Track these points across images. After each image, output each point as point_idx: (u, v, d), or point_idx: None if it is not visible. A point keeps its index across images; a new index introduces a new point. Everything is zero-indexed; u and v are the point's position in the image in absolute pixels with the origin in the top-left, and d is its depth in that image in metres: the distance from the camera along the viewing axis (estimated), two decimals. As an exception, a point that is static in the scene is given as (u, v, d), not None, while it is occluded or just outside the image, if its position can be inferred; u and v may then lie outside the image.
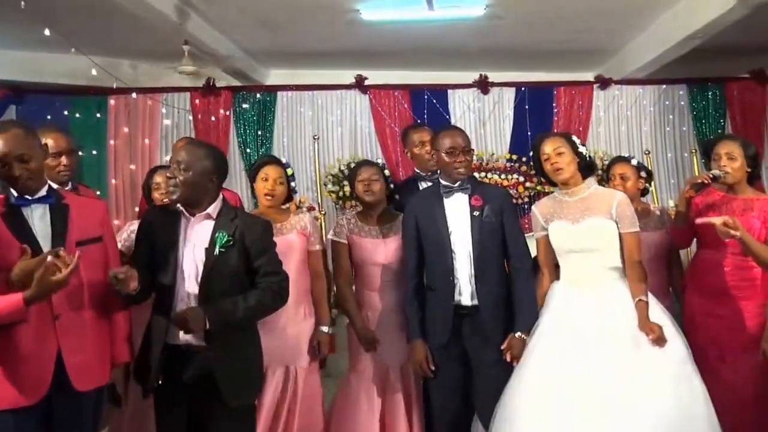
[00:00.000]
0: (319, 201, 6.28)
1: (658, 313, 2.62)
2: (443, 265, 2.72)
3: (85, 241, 2.20)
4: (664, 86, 6.94)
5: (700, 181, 2.93)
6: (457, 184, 2.75)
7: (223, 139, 6.74)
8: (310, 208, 5.44)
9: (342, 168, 6.53)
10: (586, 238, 2.66)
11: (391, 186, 3.18)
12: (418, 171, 3.40)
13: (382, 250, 3.00)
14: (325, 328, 3.04)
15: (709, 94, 6.91)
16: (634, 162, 3.38)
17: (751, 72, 6.81)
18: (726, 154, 2.92)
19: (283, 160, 3.16)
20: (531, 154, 2.91)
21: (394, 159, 6.64)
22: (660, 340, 2.51)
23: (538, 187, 6.43)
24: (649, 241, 3.04)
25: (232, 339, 2.31)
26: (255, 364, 2.44)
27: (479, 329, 2.70)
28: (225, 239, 2.26)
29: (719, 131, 6.74)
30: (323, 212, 6.14)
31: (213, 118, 6.92)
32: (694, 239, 3.13)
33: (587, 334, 2.55)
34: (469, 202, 2.72)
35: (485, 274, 2.69)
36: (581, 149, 2.78)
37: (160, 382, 2.31)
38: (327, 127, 7.01)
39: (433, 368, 2.75)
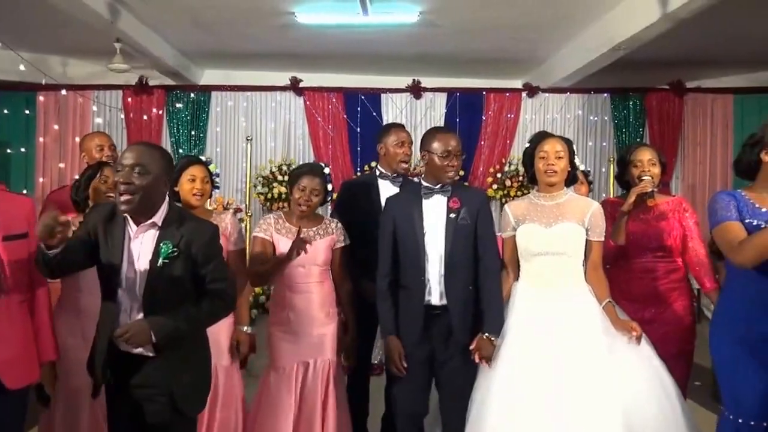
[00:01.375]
0: (247, 203, 6.23)
1: (623, 315, 2.69)
2: (415, 264, 2.72)
3: (12, 236, 2.13)
4: (588, 95, 7.25)
5: (648, 189, 2.95)
6: (438, 186, 2.74)
7: (155, 139, 6.62)
8: (237, 210, 5.38)
9: (273, 170, 6.50)
10: (555, 242, 2.68)
11: (328, 199, 3.17)
12: (381, 170, 3.39)
13: (309, 252, 3.01)
14: (244, 328, 3.01)
15: (630, 103, 7.26)
16: (582, 167, 3.48)
17: (669, 83, 7.20)
18: (648, 161, 3.03)
19: (203, 159, 3.13)
20: (526, 146, 2.86)
21: (326, 161, 6.66)
22: (639, 338, 2.55)
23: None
24: None
25: (185, 348, 2.22)
26: (207, 370, 2.38)
27: (447, 330, 2.72)
28: (169, 250, 2.14)
29: (638, 139, 7.09)
30: (250, 214, 6.08)
31: (145, 117, 6.77)
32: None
33: (555, 334, 2.58)
34: (447, 204, 2.73)
35: (455, 275, 2.71)
36: (576, 160, 2.82)
37: (110, 382, 2.23)
38: (260, 129, 6.97)
39: (405, 365, 2.74)
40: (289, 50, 6.17)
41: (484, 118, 7.12)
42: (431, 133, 2.77)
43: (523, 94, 7.19)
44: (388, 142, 3.33)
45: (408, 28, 5.42)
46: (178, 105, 6.82)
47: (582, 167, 3.50)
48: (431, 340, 2.73)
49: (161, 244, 2.16)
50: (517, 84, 7.28)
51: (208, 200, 3.21)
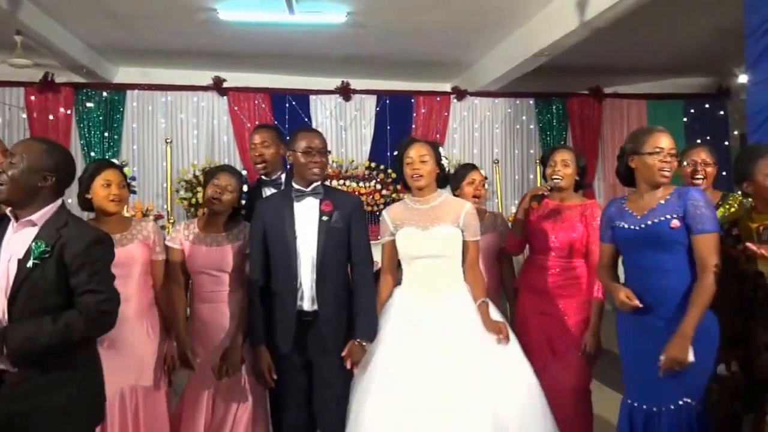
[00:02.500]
0: (169, 208, 5.95)
1: (496, 315, 2.74)
2: (287, 269, 2.67)
3: None
4: (514, 99, 7.39)
5: (540, 192, 3.12)
6: (309, 189, 2.71)
7: (63, 140, 6.21)
8: (158, 216, 5.11)
9: (197, 173, 6.24)
10: (433, 244, 2.72)
11: (242, 200, 3.06)
12: (262, 176, 3.28)
13: (210, 259, 2.88)
14: (177, 344, 2.85)
15: (554, 107, 7.46)
16: (482, 171, 3.55)
17: (589, 89, 7.46)
18: (561, 161, 3.14)
19: (117, 162, 2.93)
20: (395, 154, 2.89)
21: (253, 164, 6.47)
22: (506, 338, 2.60)
23: (394, 195, 6.57)
24: (482, 243, 3.17)
25: (52, 365, 1.99)
26: (84, 396, 2.11)
27: (320, 336, 2.67)
28: (41, 250, 1.97)
29: (562, 142, 7.30)
30: (172, 221, 5.81)
31: (51, 117, 6.33)
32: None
33: (432, 337, 2.59)
34: (320, 207, 2.69)
35: (327, 280, 2.67)
36: (444, 161, 2.83)
37: None
38: (181, 130, 6.68)
39: (275, 377, 2.70)
40: (212, 48, 5.94)
41: (413, 120, 7.12)
42: (295, 133, 2.77)
43: (452, 98, 7.24)
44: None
45: (336, 28, 5.34)
46: (89, 104, 6.43)
47: (483, 171, 3.57)
48: (306, 346, 2.67)
49: (33, 243, 1.99)
50: (446, 87, 7.33)
51: (126, 207, 3.01)
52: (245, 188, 2.96)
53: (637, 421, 2.48)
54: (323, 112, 6.90)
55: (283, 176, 3.20)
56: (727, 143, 7.45)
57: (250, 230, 2.81)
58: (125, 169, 2.88)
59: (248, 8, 4.94)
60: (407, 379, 2.51)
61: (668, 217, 2.41)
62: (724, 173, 7.14)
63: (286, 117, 6.64)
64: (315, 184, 2.70)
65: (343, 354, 2.59)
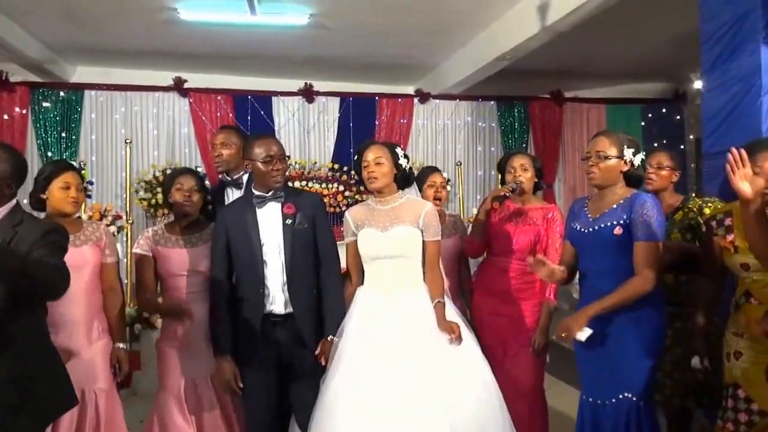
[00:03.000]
0: (128, 210, 5.82)
1: (453, 315, 2.77)
2: (253, 276, 2.67)
3: None
4: (477, 102, 7.45)
5: (502, 193, 3.16)
6: (270, 194, 2.70)
7: (19, 141, 6.02)
8: (116, 217, 5.01)
9: (157, 174, 6.12)
10: (392, 245, 2.74)
11: (208, 197, 3.05)
12: (224, 177, 3.26)
13: (186, 261, 2.86)
14: (122, 345, 2.83)
15: (515, 111, 7.54)
16: (444, 174, 3.57)
17: (550, 93, 7.56)
18: (520, 166, 3.21)
19: (75, 164, 2.90)
20: (355, 157, 2.90)
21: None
22: (458, 338, 2.63)
23: (357, 197, 6.56)
24: (443, 246, 3.19)
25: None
26: (35, 387, 2.07)
27: (295, 336, 2.69)
28: None
29: (523, 145, 7.40)
30: (131, 221, 5.71)
31: (6, 117, 6.14)
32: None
33: (391, 337, 2.62)
34: (282, 211, 2.69)
35: (298, 282, 2.68)
36: (402, 161, 2.84)
37: None
38: (141, 131, 6.55)
39: (241, 385, 2.69)
40: (173, 48, 5.83)
41: (377, 123, 7.12)
42: (251, 141, 2.76)
43: (415, 100, 7.27)
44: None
45: (299, 30, 5.30)
46: (46, 104, 6.25)
47: (445, 174, 3.60)
48: (278, 347, 2.69)
49: None
50: (409, 90, 7.35)
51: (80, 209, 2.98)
52: (207, 184, 2.99)
53: (588, 415, 2.56)
54: (286, 114, 6.84)
55: (245, 177, 3.18)
56: (683, 147, 7.64)
57: (212, 238, 2.80)
58: (82, 173, 2.86)
59: (210, 8, 4.86)
60: (367, 379, 2.54)
61: (614, 223, 2.46)
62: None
63: (249, 119, 6.56)
64: (274, 188, 2.70)
65: (317, 352, 2.64)
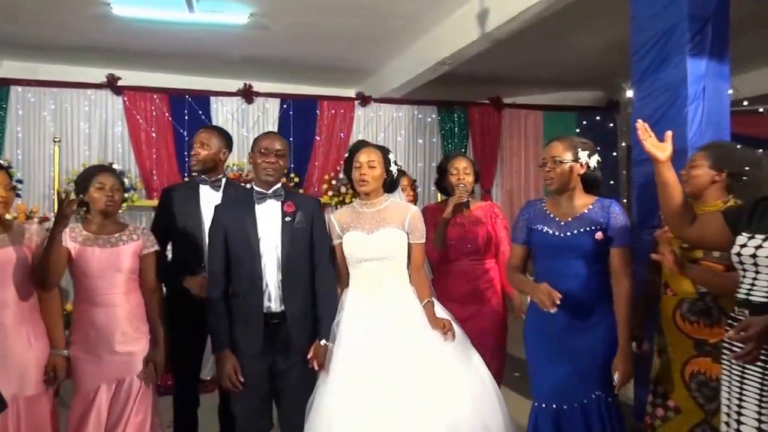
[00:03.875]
0: (55, 210, 5.56)
1: (442, 314, 2.79)
2: (251, 271, 2.66)
3: None
4: (417, 107, 7.50)
5: (465, 199, 3.16)
6: (270, 191, 2.70)
7: (-64, 138, 5.68)
8: (44, 219, 4.78)
9: (88, 175, 5.88)
10: (379, 247, 2.75)
11: (126, 194, 2.97)
12: (201, 177, 3.19)
13: (106, 261, 2.76)
14: (61, 351, 2.71)
15: (455, 116, 7.64)
16: (410, 176, 3.59)
17: (489, 99, 7.69)
18: (463, 169, 3.28)
19: (2, 163, 2.77)
20: (346, 156, 2.90)
21: (148, 166, 6.19)
22: (451, 332, 2.66)
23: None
24: None
25: None
26: None
27: (287, 337, 2.67)
28: None
29: (463, 150, 7.48)
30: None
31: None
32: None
33: (381, 340, 2.62)
34: (282, 209, 2.70)
35: (293, 280, 2.68)
36: (392, 168, 2.86)
37: None
38: (72, 129, 6.28)
39: (242, 380, 2.65)
40: (106, 44, 5.62)
41: (318, 125, 7.06)
42: (259, 136, 2.81)
43: (356, 103, 7.25)
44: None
45: (238, 29, 5.20)
46: (-33, 100, 5.92)
47: (410, 176, 3.63)
48: (272, 350, 2.68)
49: None
50: (351, 93, 7.33)
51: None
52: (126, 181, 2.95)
53: (545, 422, 2.57)
54: (224, 114, 6.71)
55: (224, 180, 3.20)
56: (615, 154, 7.91)
57: (209, 234, 2.77)
58: (11, 171, 2.74)
59: (144, 4, 4.71)
60: (364, 384, 2.53)
61: (593, 228, 2.52)
62: (612, 182, 7.64)
63: (185, 118, 6.39)
64: (276, 186, 2.71)
65: (309, 356, 2.61)
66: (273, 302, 2.68)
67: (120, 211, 3.01)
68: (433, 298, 2.79)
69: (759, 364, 1.86)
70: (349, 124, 7.19)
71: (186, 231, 3.07)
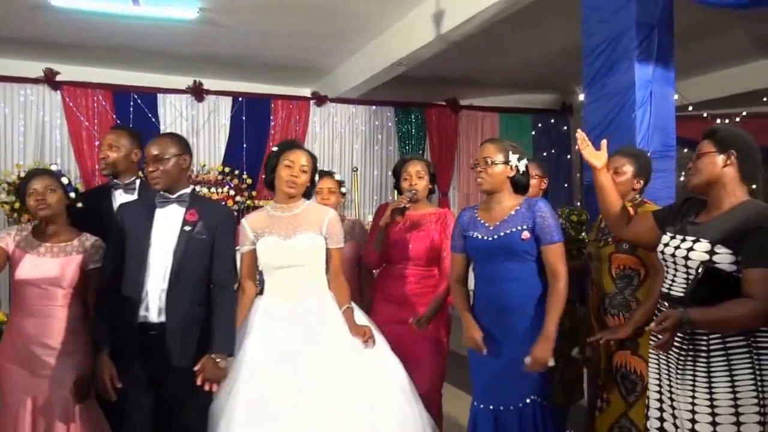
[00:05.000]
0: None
1: (363, 320, 2.74)
2: (134, 276, 2.51)
3: None
4: (374, 107, 7.43)
5: (402, 205, 3.12)
6: (174, 196, 2.56)
7: None
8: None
9: (22, 174, 5.62)
10: (296, 253, 2.65)
11: (72, 195, 2.80)
12: (113, 181, 3.04)
13: (45, 271, 2.61)
14: None
15: (412, 117, 7.60)
16: (337, 177, 3.50)
17: (446, 100, 7.68)
18: (416, 173, 3.20)
19: None
20: (274, 150, 2.79)
21: (90, 166, 5.95)
22: (371, 340, 2.61)
23: (249, 202, 6.35)
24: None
25: None
26: None
27: (166, 349, 2.50)
28: None
29: (420, 151, 7.46)
30: (-10, 227, 5.20)
31: None
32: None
33: (298, 348, 2.53)
34: (184, 216, 2.54)
35: (179, 291, 2.51)
36: (316, 177, 2.80)
37: None
38: (5, 126, 5.99)
39: (119, 385, 2.47)
40: (43, 37, 5.37)
41: (272, 125, 6.91)
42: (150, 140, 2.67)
43: (311, 103, 7.13)
44: None
45: (187, 24, 5.05)
46: None
47: (338, 176, 3.55)
48: (153, 363, 2.51)
49: None
50: (306, 92, 7.22)
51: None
52: (65, 180, 2.76)
53: (484, 423, 2.60)
54: (173, 113, 6.50)
55: (138, 182, 3.04)
56: (569, 157, 7.99)
57: (110, 232, 2.62)
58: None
59: (86, -5, 4.53)
60: (276, 391, 2.43)
61: (519, 228, 2.54)
62: (566, 185, 7.73)
63: (131, 116, 6.16)
64: (181, 192, 2.56)
65: (196, 368, 2.43)
66: (151, 312, 2.51)
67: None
68: (353, 304, 2.72)
69: (673, 351, 2.03)
70: (304, 124, 7.08)
71: (100, 237, 2.89)
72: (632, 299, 2.57)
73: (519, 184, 2.64)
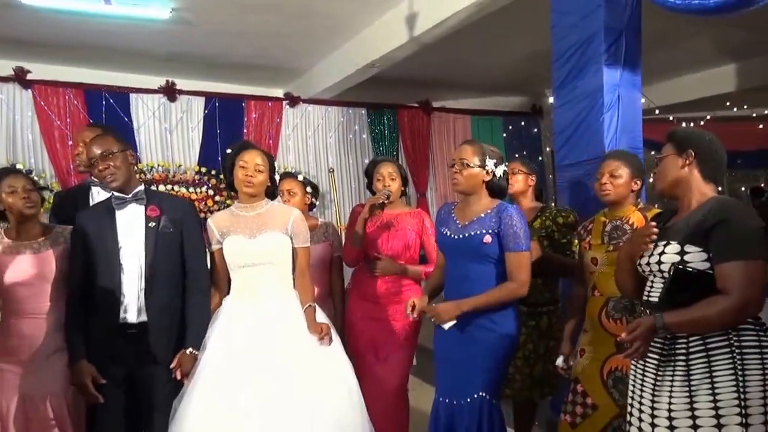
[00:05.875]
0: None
1: (323, 318, 2.77)
2: (109, 281, 2.51)
3: None
4: (347, 108, 7.45)
5: (380, 201, 3.17)
6: (131, 195, 2.56)
7: None
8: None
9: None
10: (261, 252, 2.68)
11: (45, 196, 2.80)
12: (92, 179, 3.03)
13: (34, 267, 2.60)
14: None
15: (385, 118, 7.64)
16: (300, 178, 3.51)
17: (419, 102, 7.74)
18: (388, 174, 3.27)
19: None
20: (228, 152, 2.80)
21: (64, 165, 5.86)
22: (327, 338, 2.66)
23: (228, 201, 6.32)
24: (314, 253, 3.18)
25: None
26: None
27: (147, 347, 2.53)
28: None
29: (394, 153, 7.50)
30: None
31: None
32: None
33: (254, 344, 2.56)
34: (145, 213, 2.55)
35: (157, 288, 2.54)
36: (276, 176, 2.82)
37: None
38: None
39: (103, 381, 2.50)
40: (13, 35, 5.26)
41: (245, 125, 6.89)
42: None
43: (285, 104, 7.13)
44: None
45: (160, 24, 5.01)
46: None
47: (300, 177, 3.58)
48: (128, 360, 2.54)
49: None
50: (279, 93, 7.20)
51: None
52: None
53: (442, 415, 2.68)
54: (145, 113, 6.42)
55: None
56: (540, 158, 8.12)
57: (70, 242, 2.61)
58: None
59: (57, -7, 4.47)
60: (229, 386, 2.46)
61: (483, 231, 2.57)
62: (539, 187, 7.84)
63: (103, 116, 6.06)
64: (136, 189, 2.55)
65: (173, 365, 2.49)
66: (130, 313, 2.54)
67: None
68: (314, 304, 2.75)
69: (653, 357, 2.02)
70: (277, 124, 7.06)
71: None
72: (638, 302, 2.48)
73: (494, 189, 2.67)
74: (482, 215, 2.61)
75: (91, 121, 5.83)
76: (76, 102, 6.10)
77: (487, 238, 2.55)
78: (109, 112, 6.16)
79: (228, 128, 6.72)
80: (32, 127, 5.94)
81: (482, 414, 2.59)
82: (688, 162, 2.06)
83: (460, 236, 2.62)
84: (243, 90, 6.93)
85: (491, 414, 2.61)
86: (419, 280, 3.34)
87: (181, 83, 6.55)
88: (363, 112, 7.54)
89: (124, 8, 4.67)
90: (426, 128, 7.79)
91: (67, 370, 2.61)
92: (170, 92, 6.51)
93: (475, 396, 2.60)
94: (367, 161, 7.36)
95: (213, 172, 6.49)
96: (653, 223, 2.11)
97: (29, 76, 5.92)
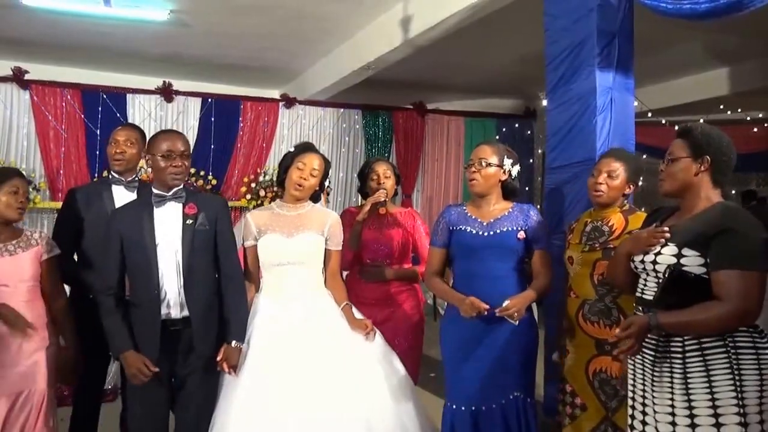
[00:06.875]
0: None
1: (359, 315, 2.81)
2: (148, 279, 2.52)
3: None
4: (342, 110, 7.50)
5: (382, 198, 3.20)
6: (170, 193, 2.57)
7: None
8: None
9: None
10: (297, 251, 2.72)
11: (29, 196, 2.84)
12: (114, 174, 3.06)
13: (11, 268, 2.63)
14: None
15: (380, 120, 7.68)
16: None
17: (413, 104, 7.79)
18: (383, 173, 3.31)
19: None
20: (290, 152, 2.88)
21: (56, 165, 5.88)
22: (372, 332, 2.70)
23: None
24: None
25: None
26: None
27: (188, 343, 2.56)
28: None
29: (386, 154, 7.54)
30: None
31: None
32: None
33: (298, 343, 2.59)
34: (183, 211, 2.57)
35: (196, 284, 2.56)
36: (327, 182, 2.89)
37: None
38: (-29, 125, 5.88)
39: (156, 369, 2.49)
40: (12, 35, 5.30)
41: (240, 126, 6.93)
42: (156, 135, 2.64)
43: (280, 105, 7.16)
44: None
45: (158, 26, 5.04)
46: None
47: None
48: (170, 356, 2.56)
49: None
50: (275, 94, 7.24)
51: None
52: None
53: (462, 424, 2.61)
54: (142, 113, 6.46)
55: (138, 180, 3.09)
56: (531, 161, 8.18)
57: (104, 239, 2.61)
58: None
59: (57, -6, 4.50)
60: (276, 387, 2.48)
61: (515, 228, 2.61)
62: (527, 188, 7.90)
63: (99, 116, 6.10)
64: (176, 188, 2.57)
65: (219, 358, 2.50)
66: (173, 308, 2.56)
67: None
68: (350, 302, 2.80)
69: (649, 354, 2.02)
70: (272, 125, 7.10)
71: (98, 233, 2.87)
72: (613, 306, 2.55)
73: (508, 189, 2.71)
74: (506, 213, 2.64)
75: (86, 121, 5.86)
76: (73, 102, 6.12)
77: (522, 234, 2.61)
78: (105, 112, 6.20)
79: (223, 129, 6.77)
80: (28, 126, 5.97)
81: (519, 416, 2.57)
82: (703, 169, 1.99)
83: (490, 233, 2.62)
84: (239, 91, 6.98)
85: (527, 414, 2.60)
86: (415, 280, 3.36)
87: (178, 84, 6.59)
88: (357, 113, 7.59)
89: (123, 10, 4.69)
90: (420, 130, 7.83)
91: (47, 368, 2.65)
92: (167, 93, 6.55)
93: (511, 397, 2.58)
94: (360, 162, 7.42)
95: (201, 173, 6.51)
96: (665, 228, 2.04)
97: (27, 76, 5.96)
